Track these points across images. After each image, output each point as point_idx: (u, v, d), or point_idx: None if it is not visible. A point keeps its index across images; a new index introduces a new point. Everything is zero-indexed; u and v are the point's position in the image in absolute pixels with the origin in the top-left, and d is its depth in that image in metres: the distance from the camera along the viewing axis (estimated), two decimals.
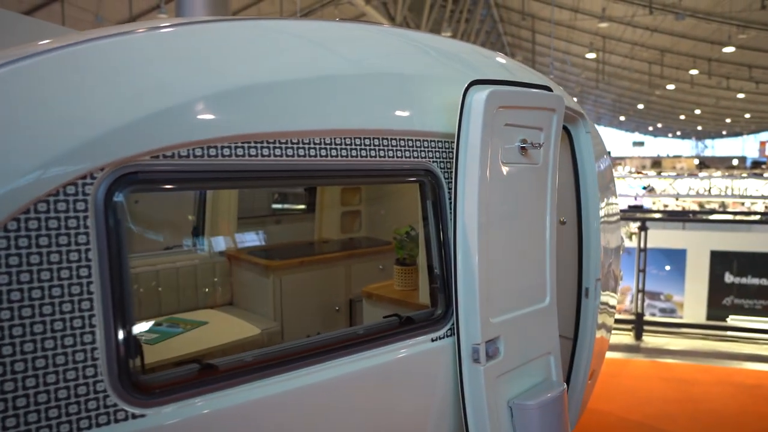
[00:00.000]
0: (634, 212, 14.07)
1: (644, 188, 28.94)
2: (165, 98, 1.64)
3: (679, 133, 73.53)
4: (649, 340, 6.88)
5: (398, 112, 2.21)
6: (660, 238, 11.27)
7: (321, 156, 1.94)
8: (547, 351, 2.62)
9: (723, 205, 24.57)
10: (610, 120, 68.12)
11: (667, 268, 11.80)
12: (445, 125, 2.29)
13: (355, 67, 2.17)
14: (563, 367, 3.17)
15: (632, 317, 7.09)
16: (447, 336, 2.27)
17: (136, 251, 3.24)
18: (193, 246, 3.64)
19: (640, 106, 52.76)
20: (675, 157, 67.11)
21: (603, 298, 3.29)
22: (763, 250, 10.59)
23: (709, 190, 28.67)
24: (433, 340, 2.23)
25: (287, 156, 1.86)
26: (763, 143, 60.69)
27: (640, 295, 7.10)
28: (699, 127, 64.27)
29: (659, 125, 66.50)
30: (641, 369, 5.81)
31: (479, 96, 2.21)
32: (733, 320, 9.45)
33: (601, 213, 3.24)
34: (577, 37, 31.70)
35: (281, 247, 4.10)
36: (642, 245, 7.15)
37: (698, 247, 11.46)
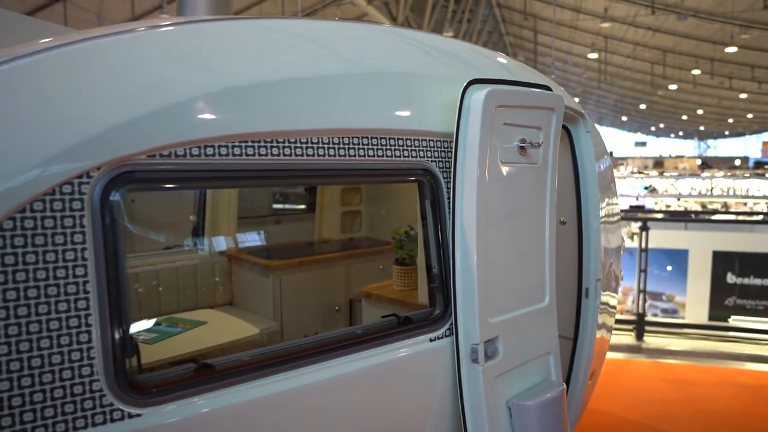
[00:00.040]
0: (635, 212, 14.05)
1: (646, 188, 28.89)
2: (162, 97, 1.63)
3: (681, 133, 73.40)
4: (651, 340, 6.87)
5: (397, 112, 2.20)
6: (662, 238, 11.25)
7: (319, 155, 1.94)
8: (546, 351, 2.61)
9: (725, 205, 24.51)
10: (612, 120, 68.03)
11: (669, 268, 11.78)
12: (443, 124, 2.29)
13: (354, 67, 2.17)
14: (563, 368, 3.17)
15: (633, 317, 7.07)
16: (445, 336, 2.26)
17: (136, 251, 3.25)
18: (192, 246, 3.64)
19: (643, 107, 52.67)
20: (677, 157, 67.00)
21: (603, 298, 3.28)
22: (766, 251, 10.55)
23: (711, 191, 28.63)
24: (431, 340, 2.22)
25: (284, 155, 1.85)
26: (765, 143, 60.57)
27: (641, 296, 7.08)
28: (701, 128, 64.13)
29: (661, 125, 66.37)
30: (642, 369, 5.79)
31: (478, 95, 2.20)
32: (734, 321, 9.42)
33: (602, 213, 3.23)
34: (579, 37, 31.66)
35: (281, 247, 4.10)
36: (643, 245, 7.14)
37: (700, 247, 11.44)
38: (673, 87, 38.80)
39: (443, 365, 2.26)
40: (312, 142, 1.92)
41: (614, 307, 3.68)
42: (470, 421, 2.25)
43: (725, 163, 62.05)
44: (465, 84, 2.24)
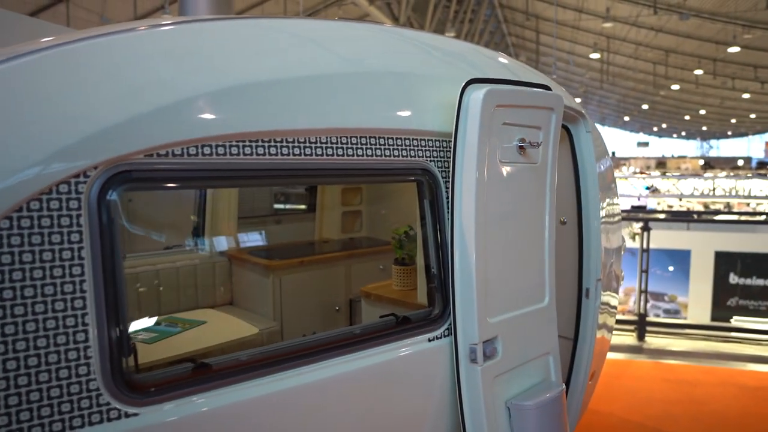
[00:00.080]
0: (637, 212, 14.02)
1: (647, 188, 28.84)
2: (160, 96, 1.63)
3: (684, 133, 73.25)
4: (652, 341, 6.85)
5: (395, 111, 2.20)
6: (664, 238, 11.23)
7: (317, 155, 1.94)
8: (546, 351, 2.61)
9: (728, 205, 24.46)
10: (614, 120, 67.93)
11: (671, 269, 11.76)
12: (442, 124, 2.28)
13: (352, 66, 2.16)
14: (564, 368, 3.16)
15: (635, 318, 7.06)
16: (444, 336, 2.25)
17: (137, 251, 3.25)
18: (193, 246, 3.64)
19: (645, 107, 52.59)
20: (680, 157, 66.88)
21: (604, 299, 3.27)
22: None
23: (714, 191, 28.56)
24: (430, 340, 2.22)
25: (282, 155, 1.85)
26: None
27: (642, 296, 7.06)
28: (704, 128, 64.00)
29: (664, 125, 66.26)
30: (643, 370, 5.78)
31: (476, 95, 2.20)
32: (736, 321, 9.40)
33: (602, 213, 3.22)
34: (581, 37, 31.62)
35: (281, 246, 4.10)
36: (645, 246, 7.12)
37: (703, 247, 11.42)
38: (675, 87, 38.74)
39: (442, 365, 2.25)
40: (310, 142, 1.91)
41: (615, 308, 3.67)
42: (469, 421, 2.25)
43: (728, 164, 61.89)
44: (464, 83, 2.24)
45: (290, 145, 1.86)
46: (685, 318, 11.42)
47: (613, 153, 67.52)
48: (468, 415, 2.24)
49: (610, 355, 6.04)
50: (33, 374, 1.40)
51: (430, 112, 2.28)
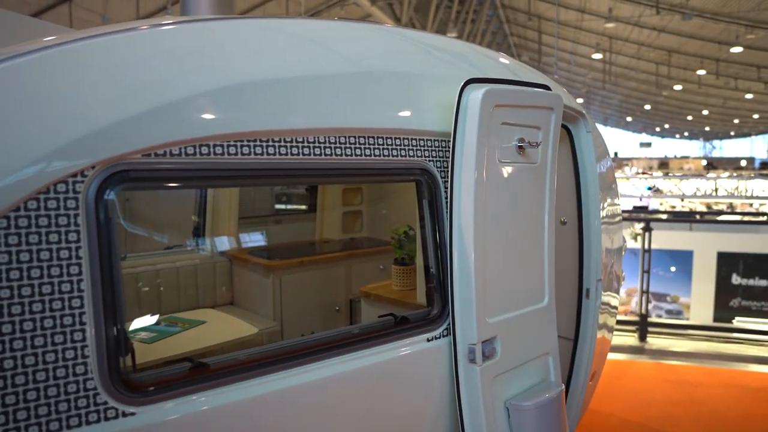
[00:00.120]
0: (638, 213, 14.00)
1: (649, 189, 28.78)
2: (158, 96, 1.64)
3: (686, 133, 73.09)
4: (654, 341, 6.84)
5: (394, 111, 2.20)
6: (667, 239, 11.21)
7: (315, 155, 1.94)
8: (545, 351, 2.60)
9: (731, 206, 24.41)
10: (617, 121, 67.82)
11: (673, 269, 11.74)
12: (441, 124, 2.28)
13: (351, 66, 2.16)
14: (564, 368, 3.15)
15: (636, 318, 7.04)
16: (443, 336, 2.25)
17: (138, 250, 3.26)
18: (193, 246, 3.64)
19: (647, 107, 52.47)
20: (682, 158, 66.73)
21: (604, 299, 3.26)
22: None
23: (716, 191, 28.48)
24: (428, 340, 2.21)
25: (281, 155, 1.85)
26: None
27: (644, 297, 7.05)
28: (707, 128, 63.84)
29: (666, 126, 66.11)
30: (645, 371, 5.77)
31: (475, 94, 2.19)
32: (738, 322, 9.38)
33: (603, 213, 3.22)
34: (583, 37, 31.57)
35: (282, 247, 4.10)
36: (646, 246, 7.11)
37: (705, 248, 11.40)
38: (678, 87, 38.65)
39: (441, 365, 2.25)
40: (308, 142, 1.91)
41: (615, 308, 3.67)
42: (468, 421, 2.24)
43: (731, 164, 61.77)
44: (462, 83, 2.24)
45: (288, 144, 1.87)
46: (687, 319, 11.40)
47: (616, 153, 67.48)
48: (467, 415, 2.24)
49: (612, 356, 6.03)
50: (30, 373, 1.40)
51: (429, 111, 2.28)
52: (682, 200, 24.99)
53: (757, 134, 65.97)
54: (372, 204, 4.22)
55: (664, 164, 59.83)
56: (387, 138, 2.13)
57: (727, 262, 11.19)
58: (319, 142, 1.94)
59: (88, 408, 1.48)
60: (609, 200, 3.40)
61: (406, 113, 2.22)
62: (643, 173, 41.47)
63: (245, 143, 1.77)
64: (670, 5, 23.52)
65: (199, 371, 1.71)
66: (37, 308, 1.42)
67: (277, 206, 4.63)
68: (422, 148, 2.23)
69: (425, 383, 2.23)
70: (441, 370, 2.25)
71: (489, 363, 2.26)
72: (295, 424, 1.85)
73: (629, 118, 62.82)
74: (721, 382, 5.37)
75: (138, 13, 17.77)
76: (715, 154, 75.89)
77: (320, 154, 1.95)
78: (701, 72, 32.94)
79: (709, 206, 23.84)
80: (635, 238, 8.85)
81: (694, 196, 26.63)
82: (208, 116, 1.71)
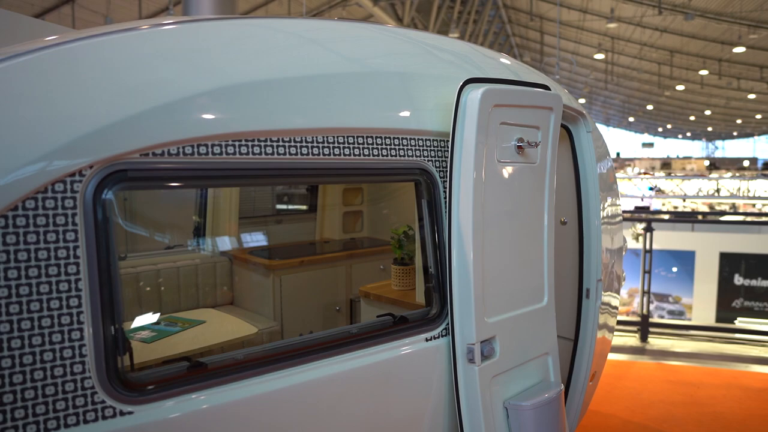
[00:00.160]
0: (640, 213, 13.98)
1: (651, 189, 28.73)
2: (156, 96, 1.64)
3: (689, 134, 72.98)
4: (655, 342, 6.82)
5: (393, 111, 2.20)
6: (669, 239, 11.20)
7: (313, 155, 1.94)
8: (544, 351, 2.60)
9: (734, 206, 24.36)
10: (619, 121, 67.75)
11: (675, 269, 11.73)
12: (440, 124, 2.28)
13: (350, 66, 2.16)
14: (564, 369, 3.15)
15: (638, 319, 7.03)
16: (442, 336, 2.25)
17: (138, 250, 3.26)
18: (194, 245, 3.65)
19: (650, 107, 52.40)
20: (685, 158, 66.61)
21: (604, 299, 3.26)
22: None
23: (718, 191, 28.41)
24: (427, 340, 2.21)
25: (279, 154, 1.85)
26: None
27: (645, 297, 7.03)
28: (709, 128, 63.74)
29: (669, 126, 66.01)
30: (646, 371, 5.75)
31: (474, 94, 2.19)
32: (740, 322, 9.35)
33: (603, 213, 3.21)
34: (585, 37, 31.54)
35: (282, 246, 4.10)
36: (648, 246, 7.09)
37: (707, 248, 11.39)
38: (680, 88, 38.59)
39: (439, 365, 2.25)
40: (307, 141, 1.91)
41: (616, 308, 3.66)
42: (466, 421, 2.24)
43: (733, 164, 61.63)
44: (461, 83, 2.23)
45: (286, 144, 1.87)
46: (689, 319, 11.38)
47: (618, 154, 67.35)
48: (465, 414, 2.24)
49: (613, 356, 6.02)
50: (28, 372, 1.41)
51: (428, 111, 2.28)
52: (684, 201, 24.94)
53: (759, 134, 65.84)
54: (372, 204, 4.23)
55: (666, 164, 59.70)
56: (385, 138, 2.13)
57: (729, 263, 11.18)
58: (318, 142, 1.94)
59: (86, 407, 1.48)
60: (609, 200, 3.39)
61: (405, 113, 2.22)
62: (645, 173, 41.39)
63: (243, 143, 1.77)
64: (672, 5, 23.48)
65: (197, 370, 1.71)
66: (35, 307, 1.42)
67: (278, 206, 4.64)
68: (421, 148, 2.23)
69: (424, 383, 2.22)
70: (440, 370, 2.25)
71: (488, 363, 2.26)
72: (294, 423, 1.84)
73: (631, 119, 62.74)
74: (723, 383, 5.36)
75: (140, 13, 17.82)
76: (718, 154, 75.74)
77: (318, 154, 1.95)
78: (704, 72, 32.89)
79: (711, 206, 23.79)
80: (637, 239, 8.84)
81: (696, 196, 26.57)
82: (206, 116, 1.71)
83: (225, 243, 3.79)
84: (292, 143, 1.88)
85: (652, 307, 8.31)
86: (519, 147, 2.39)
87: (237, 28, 2.01)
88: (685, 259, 11.61)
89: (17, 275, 1.40)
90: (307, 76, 1.97)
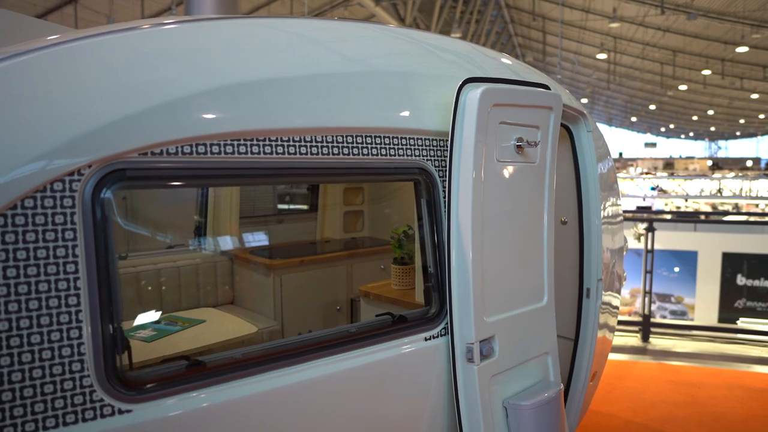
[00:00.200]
0: (641, 213, 13.95)
1: (653, 189, 28.68)
2: (155, 95, 1.64)
3: (691, 134, 72.81)
4: (656, 342, 6.81)
5: (392, 111, 2.20)
6: (671, 239, 11.17)
7: (312, 154, 1.94)
8: (544, 351, 2.60)
9: (737, 206, 24.29)
10: (621, 121, 67.62)
11: (677, 269, 11.70)
12: (440, 123, 2.28)
13: (350, 65, 2.17)
14: (564, 369, 3.14)
15: (639, 319, 7.02)
16: (441, 335, 2.25)
17: (139, 250, 3.27)
18: (194, 245, 3.66)
19: (652, 107, 52.29)
20: (688, 158, 66.46)
21: (605, 299, 3.25)
22: None
23: (720, 191, 28.33)
24: (426, 339, 2.21)
25: (278, 154, 1.86)
26: None
27: (647, 297, 7.02)
28: (712, 128, 63.58)
29: (672, 126, 65.88)
30: (648, 371, 5.74)
31: (473, 94, 2.19)
32: (742, 323, 9.33)
33: (603, 212, 3.21)
34: (588, 37, 31.49)
35: (283, 246, 4.11)
36: (649, 246, 7.07)
37: (710, 248, 11.35)
38: (683, 87, 38.50)
39: (438, 364, 2.25)
40: (306, 141, 1.92)
41: (616, 308, 3.65)
42: (465, 420, 2.24)
43: (736, 164, 61.49)
44: (460, 82, 2.23)
45: (285, 144, 1.87)
46: (692, 319, 11.36)
47: (620, 154, 67.23)
48: (465, 414, 2.24)
49: (614, 356, 6.01)
50: (27, 370, 1.41)
51: (427, 111, 2.28)
52: (686, 201, 24.89)
53: (763, 134, 65.66)
54: (373, 203, 4.23)
55: (669, 164, 59.57)
56: (385, 137, 2.13)
57: (732, 263, 11.15)
58: (317, 142, 1.94)
59: (85, 405, 1.49)
60: (610, 200, 3.39)
61: (405, 113, 2.22)
62: (647, 173, 41.31)
63: (242, 142, 1.77)
64: (675, 5, 23.43)
65: (196, 369, 1.72)
66: (34, 306, 1.43)
67: (279, 206, 4.64)
68: (420, 148, 2.24)
69: (423, 382, 2.22)
70: (439, 369, 2.25)
71: (487, 362, 2.25)
72: (292, 422, 1.85)
73: (634, 119, 62.62)
74: (724, 383, 5.35)
75: (143, 14, 17.84)
76: (721, 154, 75.55)
77: (317, 154, 1.95)
78: (706, 72, 32.81)
79: (714, 207, 23.73)
80: (638, 239, 8.82)
81: (699, 196, 26.51)
82: (205, 115, 1.72)
83: (225, 242, 3.79)
84: (292, 143, 1.88)
85: (654, 307, 8.29)
86: (518, 146, 2.39)
87: (237, 28, 2.01)
88: (688, 260, 11.58)
89: (16, 274, 1.41)
90: (307, 75, 1.97)
